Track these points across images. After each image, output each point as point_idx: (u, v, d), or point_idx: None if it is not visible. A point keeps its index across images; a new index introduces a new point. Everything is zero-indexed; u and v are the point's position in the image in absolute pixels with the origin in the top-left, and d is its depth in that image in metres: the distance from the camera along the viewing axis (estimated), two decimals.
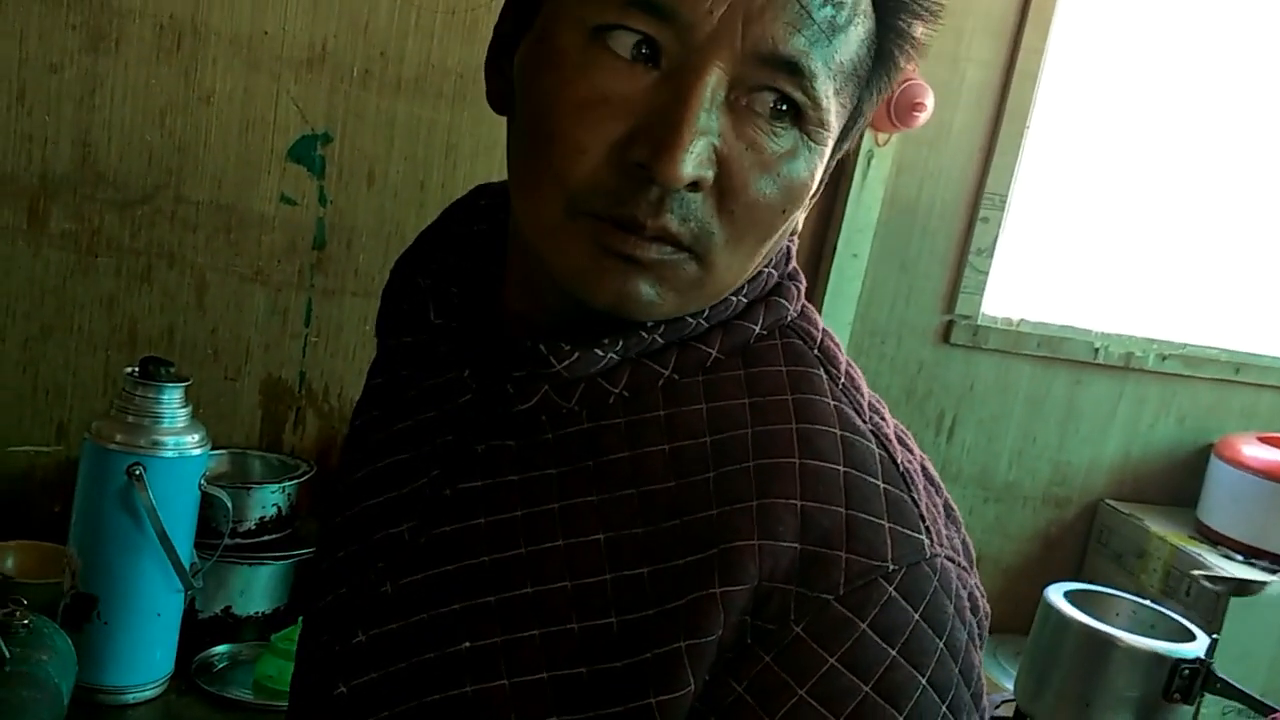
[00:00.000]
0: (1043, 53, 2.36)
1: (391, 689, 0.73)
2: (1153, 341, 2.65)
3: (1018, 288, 2.56)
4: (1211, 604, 2.32)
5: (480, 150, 1.96)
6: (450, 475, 0.75)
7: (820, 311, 2.31)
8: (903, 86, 2.15)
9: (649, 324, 0.69)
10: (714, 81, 0.62)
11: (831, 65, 0.64)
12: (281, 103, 1.87)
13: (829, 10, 0.63)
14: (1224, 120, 2.62)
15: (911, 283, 2.43)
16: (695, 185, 0.63)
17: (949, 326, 2.47)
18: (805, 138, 0.65)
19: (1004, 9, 2.32)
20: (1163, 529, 2.52)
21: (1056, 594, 1.87)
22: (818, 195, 0.77)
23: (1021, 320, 2.56)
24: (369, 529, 0.79)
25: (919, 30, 0.70)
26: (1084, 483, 2.67)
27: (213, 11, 1.81)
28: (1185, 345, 2.67)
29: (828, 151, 0.68)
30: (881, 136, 2.24)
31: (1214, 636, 1.76)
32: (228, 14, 1.82)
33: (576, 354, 0.69)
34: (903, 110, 2.15)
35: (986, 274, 2.46)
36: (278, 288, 1.93)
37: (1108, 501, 2.67)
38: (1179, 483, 2.68)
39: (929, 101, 2.15)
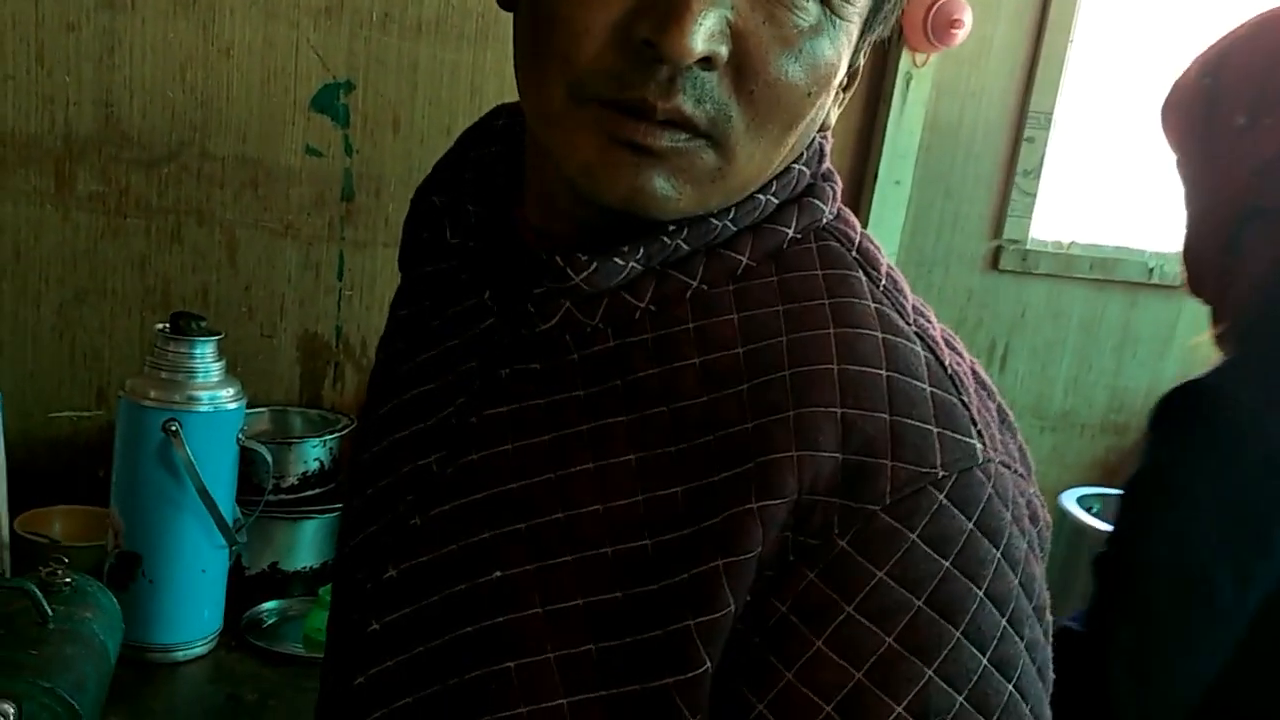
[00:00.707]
0: None
1: (424, 623, 0.70)
2: None
3: (1067, 209, 2.48)
4: None
5: (506, 90, 1.90)
6: (476, 402, 0.72)
7: None
8: (939, 3, 2.07)
9: (670, 228, 0.65)
10: None
11: None
12: (302, 52, 1.83)
13: None
14: None
15: (957, 208, 2.36)
16: (708, 62, 0.58)
17: (997, 252, 2.41)
18: (829, 12, 0.60)
19: None
20: None
21: (1070, 500, 1.83)
22: (852, 88, 0.72)
23: (1072, 243, 2.49)
24: (397, 463, 0.77)
25: None
26: (1143, 408, 2.60)
27: None
28: None
29: (855, 30, 0.63)
30: (919, 56, 2.16)
31: None
32: None
33: (595, 264, 0.65)
34: (940, 27, 2.07)
35: (1034, 196, 2.39)
36: (309, 241, 1.90)
37: None
38: None
39: (967, 18, 2.08)
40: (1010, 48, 2.28)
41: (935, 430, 0.61)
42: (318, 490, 1.74)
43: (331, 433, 1.81)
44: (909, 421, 0.61)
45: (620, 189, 0.61)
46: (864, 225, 2.11)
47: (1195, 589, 1.04)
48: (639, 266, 0.66)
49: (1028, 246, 2.42)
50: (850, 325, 0.64)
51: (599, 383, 0.67)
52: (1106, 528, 1.72)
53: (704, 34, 0.57)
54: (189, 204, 1.84)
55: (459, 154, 0.84)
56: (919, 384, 0.63)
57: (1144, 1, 2.42)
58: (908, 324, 0.67)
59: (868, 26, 0.65)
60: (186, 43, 1.78)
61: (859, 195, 2.28)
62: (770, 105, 0.61)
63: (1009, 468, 0.64)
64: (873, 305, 0.66)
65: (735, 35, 0.59)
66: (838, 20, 0.61)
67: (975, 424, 0.63)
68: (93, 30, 1.74)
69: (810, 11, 0.60)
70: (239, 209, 1.86)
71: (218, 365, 1.48)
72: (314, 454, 1.74)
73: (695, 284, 0.67)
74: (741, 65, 0.59)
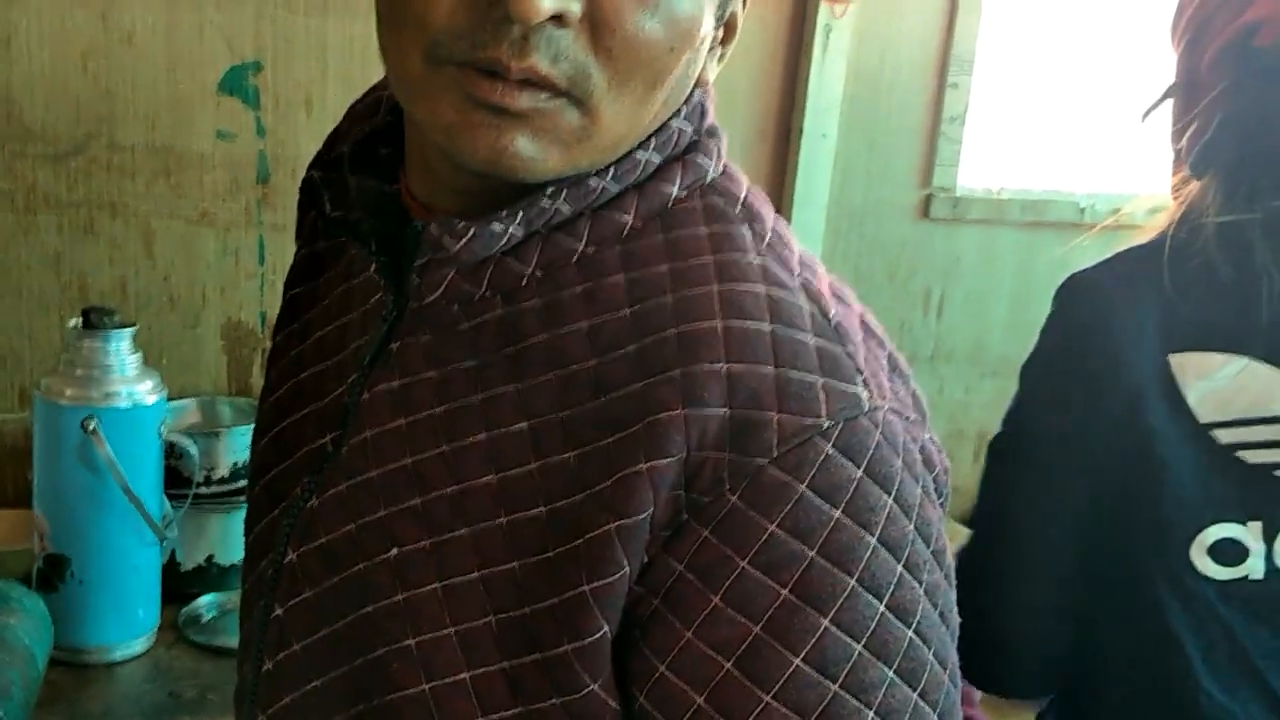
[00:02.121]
0: None
1: (326, 605, 0.70)
2: (1139, 196, 2.58)
3: (995, 155, 2.49)
4: None
5: None
6: (367, 379, 0.70)
7: (792, 197, 2.26)
8: None
9: (549, 190, 0.64)
10: None
11: None
12: (207, 34, 1.80)
13: None
14: None
15: (885, 159, 2.36)
16: (560, 20, 0.57)
17: (927, 201, 2.41)
18: None
19: None
20: None
21: None
22: (731, 41, 0.71)
23: (1002, 189, 2.49)
24: (294, 445, 0.76)
25: None
26: None
27: None
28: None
29: None
30: (838, 8, 2.15)
31: None
32: None
33: (472, 231, 0.64)
34: None
35: (960, 143, 2.39)
36: (226, 228, 1.87)
37: None
38: None
39: None
40: None
41: (820, 381, 0.61)
42: (249, 462, 1.72)
43: None
44: (793, 373, 0.61)
45: (482, 150, 0.60)
46: (794, 179, 2.10)
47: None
48: (519, 232, 0.65)
49: (957, 194, 2.42)
50: (734, 280, 0.64)
51: (489, 351, 0.66)
52: None
53: None
54: (101, 197, 1.80)
55: (346, 130, 0.82)
56: (803, 336, 0.62)
57: None
58: (792, 277, 0.66)
59: None
60: (86, 31, 1.74)
61: (786, 149, 2.27)
62: (630, 61, 0.60)
63: (899, 414, 0.64)
64: (756, 260, 0.66)
65: None
66: None
67: (861, 372, 0.63)
68: None
69: None
70: (153, 199, 1.83)
71: (134, 358, 1.46)
72: (242, 443, 1.72)
73: (581, 247, 0.66)
74: (596, 21, 0.58)
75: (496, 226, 0.64)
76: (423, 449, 0.66)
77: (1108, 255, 1.09)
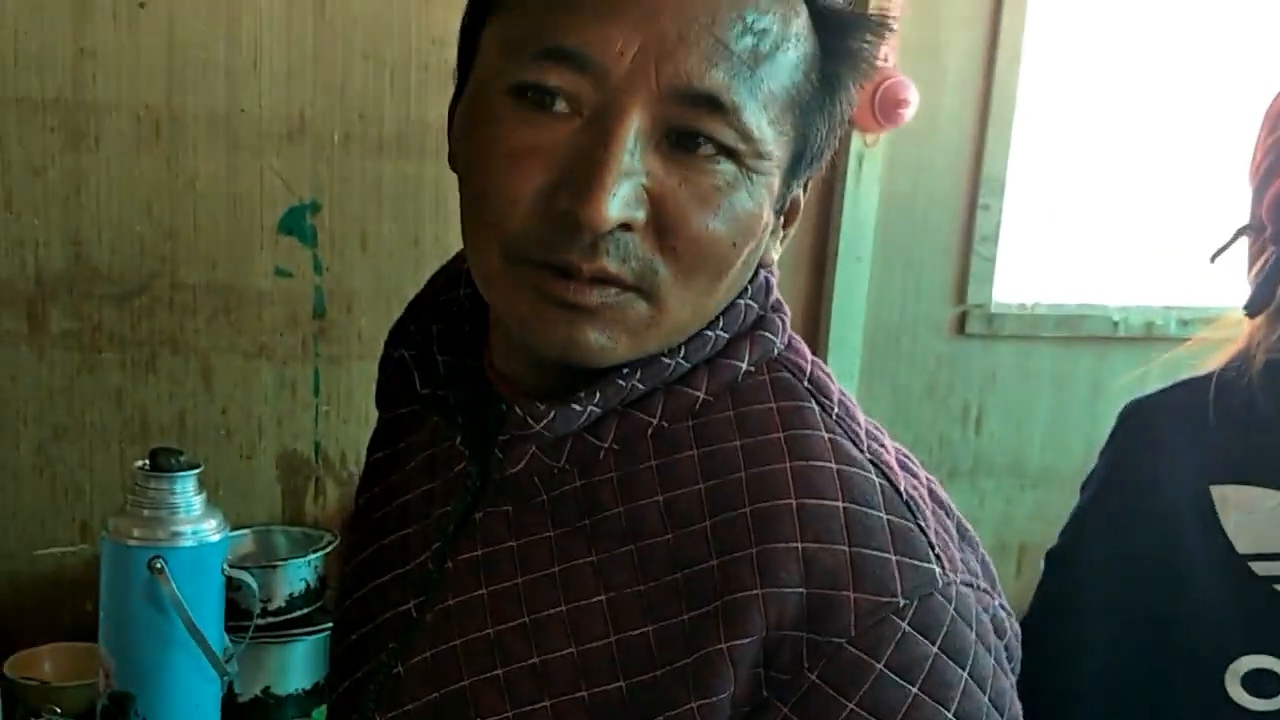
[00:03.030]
0: (1022, 31, 2.34)
1: None
2: (1171, 309, 2.61)
3: (1028, 271, 2.53)
4: None
5: None
6: (450, 546, 0.74)
7: (830, 317, 2.31)
8: (884, 84, 2.13)
9: (624, 370, 0.68)
10: (635, 123, 0.61)
11: (760, 95, 0.63)
12: (266, 177, 1.87)
13: (749, 40, 0.62)
14: (1216, 71, 2.59)
15: (919, 277, 2.40)
16: (627, 226, 0.61)
17: (963, 317, 2.44)
18: (743, 170, 0.64)
19: None
20: None
21: None
22: (794, 223, 0.75)
23: (1036, 303, 2.53)
24: (379, 609, 0.79)
25: (870, 52, 0.68)
26: None
27: (188, 96, 1.81)
28: (1206, 308, 2.63)
29: (775, 180, 0.66)
30: (869, 137, 2.22)
31: None
32: (203, 96, 1.82)
33: (553, 412, 0.68)
34: (887, 108, 2.13)
35: (993, 261, 2.43)
36: (283, 361, 1.93)
37: None
38: None
39: (913, 96, 2.14)
40: (958, 119, 2.34)
41: (894, 558, 0.63)
42: (305, 610, 1.75)
43: (316, 550, 1.81)
44: (868, 552, 0.63)
45: (556, 343, 0.64)
46: (830, 300, 2.14)
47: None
48: (597, 409, 0.69)
49: (992, 310, 2.46)
50: (806, 458, 0.67)
51: (567, 523, 0.69)
52: None
53: (618, 204, 0.60)
54: (162, 334, 1.86)
55: (429, 297, 0.86)
56: (875, 513, 0.65)
57: (1084, 62, 2.49)
58: (861, 451, 0.69)
59: (793, 172, 0.68)
60: (151, 177, 1.82)
61: (822, 272, 2.32)
62: (695, 258, 0.64)
63: (971, 585, 0.66)
64: (826, 436, 0.69)
65: (653, 198, 0.62)
66: (754, 177, 0.64)
67: (933, 548, 0.65)
68: (59, 172, 1.78)
69: (725, 171, 0.63)
70: (212, 334, 1.89)
71: (199, 498, 1.49)
72: (299, 574, 1.75)
73: (655, 421, 0.69)
74: (662, 224, 0.63)
75: (576, 407, 0.68)
76: (504, 619, 0.69)
77: (1168, 383, 1.12)
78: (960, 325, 2.45)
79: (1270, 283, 1.07)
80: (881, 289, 2.36)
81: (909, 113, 2.14)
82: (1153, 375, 1.17)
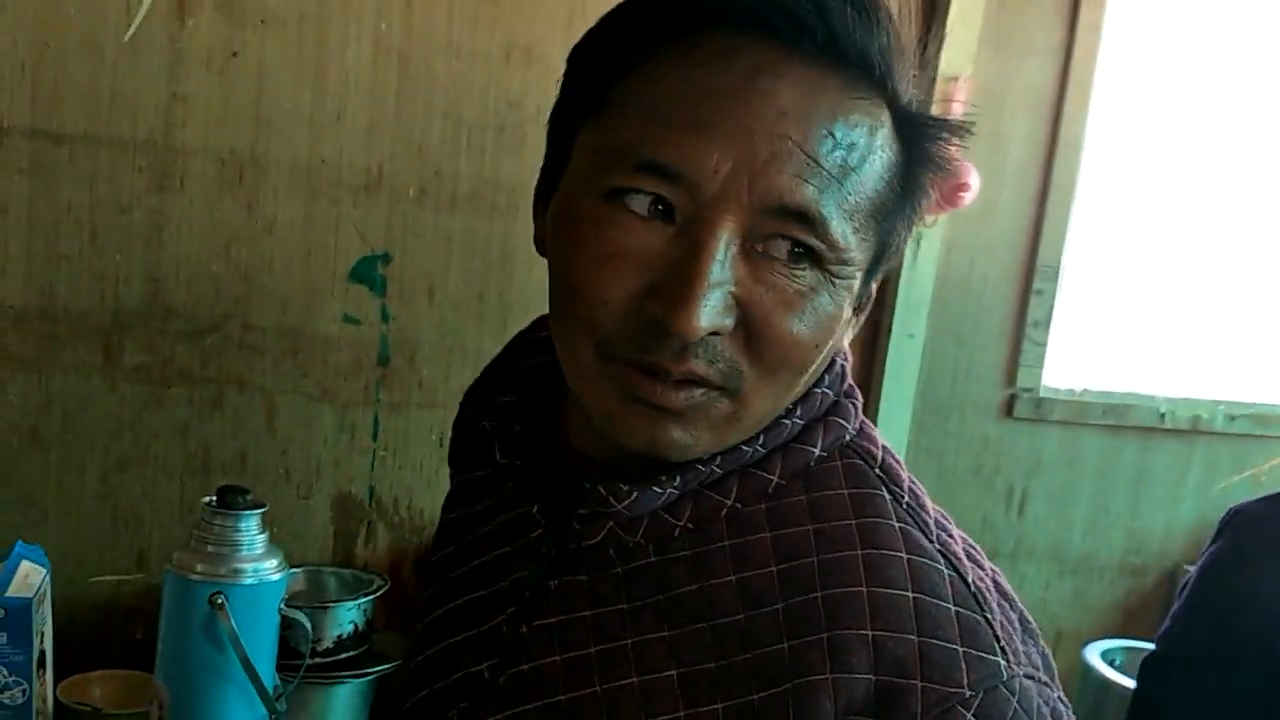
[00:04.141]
0: (1084, 121, 2.37)
1: None
2: (1219, 403, 2.61)
3: (1078, 357, 2.54)
4: None
5: (535, 259, 1.95)
6: (525, 612, 0.76)
7: (880, 393, 2.33)
8: None
9: (705, 457, 0.70)
10: (726, 235, 0.63)
11: (845, 207, 0.65)
12: (341, 226, 1.93)
13: (839, 154, 0.64)
14: (1273, 167, 2.61)
15: (971, 358, 2.42)
16: (715, 332, 0.64)
17: (1011, 400, 2.46)
18: (826, 276, 0.66)
19: (1043, 82, 2.34)
20: None
21: (1094, 654, 1.84)
22: (865, 310, 0.78)
23: (1085, 390, 2.54)
24: (449, 668, 0.80)
25: (947, 152, 0.71)
26: (1160, 549, 2.62)
27: (271, 144, 1.87)
28: (1254, 404, 2.63)
29: (855, 283, 0.69)
30: (929, 218, 2.25)
31: None
32: (286, 145, 1.88)
33: (635, 494, 0.70)
34: (949, 191, 2.16)
35: (1045, 345, 2.45)
36: (345, 405, 1.97)
37: (1186, 567, 2.61)
38: None
39: (974, 181, 2.16)
40: (1016, 206, 2.37)
41: (961, 650, 0.65)
42: (352, 653, 1.77)
43: (365, 593, 1.84)
44: (935, 642, 0.65)
45: (640, 440, 0.67)
46: (881, 376, 2.15)
47: None
48: (676, 491, 0.71)
49: (1040, 394, 2.47)
50: (877, 547, 0.69)
51: (641, 597, 0.71)
52: (1129, 682, 1.75)
53: (709, 313, 0.63)
54: (230, 373, 1.91)
55: (507, 363, 0.88)
56: (944, 604, 0.67)
57: (1143, 155, 2.52)
58: (931, 541, 0.71)
59: (871, 272, 0.71)
60: (231, 220, 1.88)
61: (874, 349, 2.34)
62: (779, 359, 0.66)
63: (1033, 679, 0.68)
64: (897, 525, 0.71)
65: (740, 304, 0.65)
66: (836, 281, 0.67)
67: (999, 640, 0.67)
68: (143, 211, 1.84)
69: (808, 277, 0.66)
70: (278, 375, 1.93)
71: (262, 537, 1.53)
72: (348, 617, 1.78)
73: (730, 503, 0.72)
74: (749, 329, 0.65)
75: (657, 490, 0.71)
76: (577, 687, 0.70)
77: (1272, 491, 1.13)
78: (1009, 408, 2.46)
79: None
80: (933, 368, 2.38)
81: (970, 196, 2.17)
82: (1253, 480, 1.19)
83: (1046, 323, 2.44)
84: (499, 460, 0.82)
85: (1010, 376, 2.45)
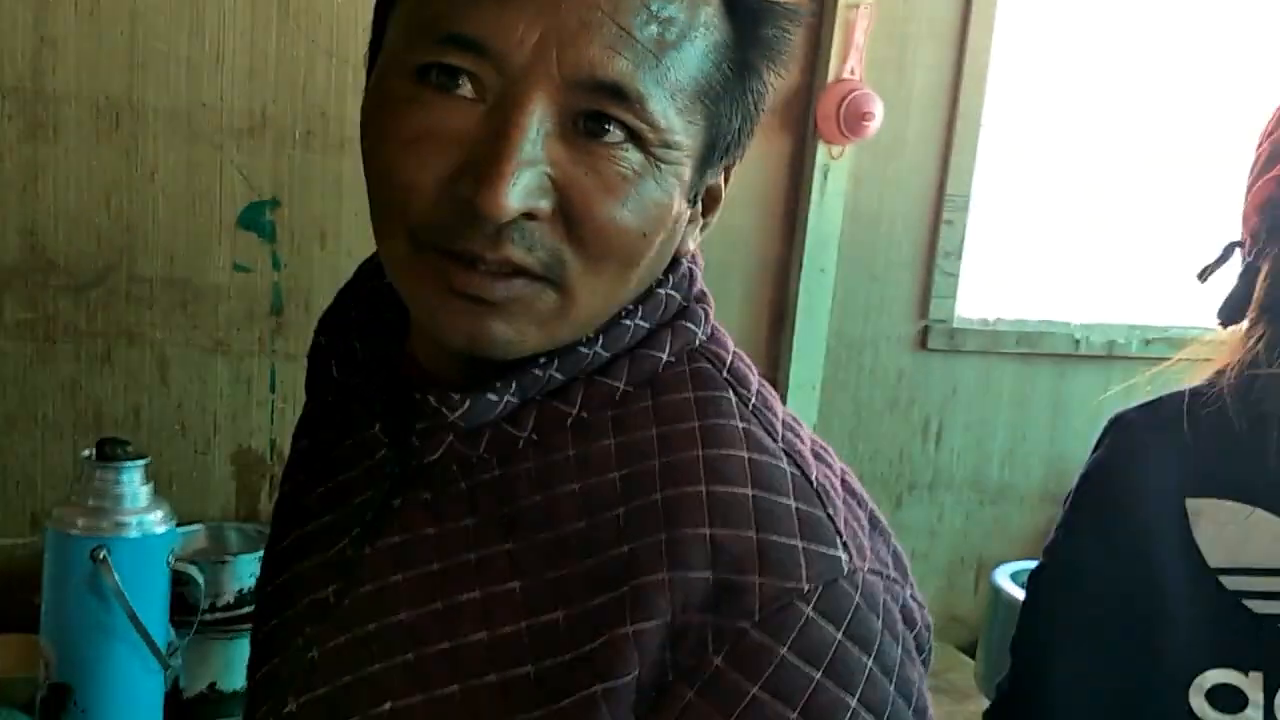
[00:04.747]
0: (989, 51, 2.36)
1: None
2: (1134, 327, 2.64)
3: (990, 287, 2.55)
4: None
5: None
6: (370, 533, 0.73)
7: (793, 328, 2.32)
8: (850, 97, 2.15)
9: (540, 360, 0.68)
10: (537, 111, 0.60)
11: (665, 85, 0.62)
12: (226, 172, 1.87)
13: (654, 28, 0.61)
14: (1177, 93, 2.62)
15: (883, 291, 2.42)
16: (531, 215, 0.61)
17: (925, 332, 2.46)
18: (651, 159, 0.63)
19: (947, 12, 2.32)
20: None
21: (1003, 575, 1.85)
22: (714, 212, 0.75)
23: (998, 319, 2.55)
24: (297, 594, 0.78)
25: (784, 40, 0.68)
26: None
27: (148, 89, 1.81)
28: (1168, 328, 2.66)
29: (685, 170, 0.66)
30: (835, 149, 2.23)
31: None
32: (164, 89, 1.82)
33: (468, 402, 0.67)
34: (852, 120, 2.14)
35: (957, 276, 2.45)
36: (240, 357, 1.92)
37: None
38: None
39: (878, 110, 2.15)
40: (923, 137, 2.36)
41: (800, 545, 0.64)
42: (254, 607, 1.74)
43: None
44: (774, 538, 0.63)
45: (460, 335, 0.64)
46: (794, 311, 2.15)
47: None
48: (514, 399, 0.68)
49: (954, 325, 2.47)
50: (718, 446, 0.67)
51: (485, 511, 0.69)
52: None
53: (520, 192, 0.59)
54: (119, 326, 1.85)
55: (354, 287, 0.86)
56: (783, 500, 0.65)
57: (1048, 81, 2.52)
58: (775, 441, 0.69)
59: (706, 161, 0.68)
60: (110, 169, 1.82)
61: (786, 283, 2.33)
62: (603, 247, 0.63)
63: (879, 574, 0.66)
64: (740, 425, 0.69)
65: (558, 186, 0.61)
66: (662, 165, 0.63)
67: (840, 535, 0.65)
68: (15, 162, 1.77)
69: (632, 159, 0.62)
70: (169, 328, 1.88)
71: (146, 489, 1.49)
72: (249, 570, 1.74)
73: (574, 412, 0.69)
74: (569, 214, 0.62)
75: (491, 397, 0.68)
76: (419, 605, 0.68)
77: (1152, 397, 1.12)
78: (923, 340, 2.46)
79: (1245, 285, 1.08)
80: (845, 302, 2.37)
81: (874, 126, 2.15)
82: (1141, 390, 1.18)
83: (958, 253, 2.44)
84: (335, 377, 0.79)
85: (923, 308, 2.45)
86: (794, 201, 2.29)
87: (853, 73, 2.18)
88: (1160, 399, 1.11)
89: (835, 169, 2.25)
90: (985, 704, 1.83)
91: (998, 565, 2.47)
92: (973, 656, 2.17)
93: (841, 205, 2.29)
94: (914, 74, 2.33)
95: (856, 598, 0.64)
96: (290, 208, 1.91)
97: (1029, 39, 2.46)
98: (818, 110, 2.18)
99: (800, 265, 2.29)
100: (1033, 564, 1.89)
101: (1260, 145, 1.12)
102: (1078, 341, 2.58)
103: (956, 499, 2.57)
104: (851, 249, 2.35)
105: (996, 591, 1.82)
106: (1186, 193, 2.68)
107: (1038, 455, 2.62)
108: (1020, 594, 1.81)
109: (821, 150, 2.23)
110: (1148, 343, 2.63)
